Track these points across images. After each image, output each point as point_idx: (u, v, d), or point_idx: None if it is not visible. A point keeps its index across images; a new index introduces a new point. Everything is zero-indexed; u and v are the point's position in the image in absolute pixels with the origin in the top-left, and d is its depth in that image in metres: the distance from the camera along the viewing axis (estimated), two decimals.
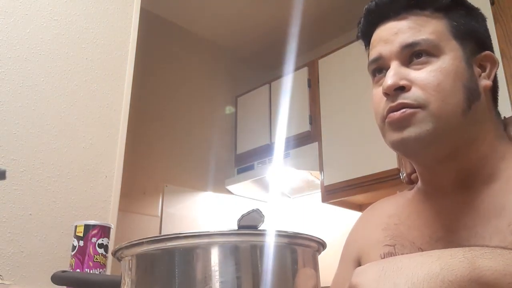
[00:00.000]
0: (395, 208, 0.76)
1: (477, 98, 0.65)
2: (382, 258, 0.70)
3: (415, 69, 0.64)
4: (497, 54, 1.95)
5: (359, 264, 0.78)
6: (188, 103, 3.07)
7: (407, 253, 0.67)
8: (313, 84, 2.88)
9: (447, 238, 0.64)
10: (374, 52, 0.68)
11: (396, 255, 0.67)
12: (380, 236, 0.74)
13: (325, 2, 2.90)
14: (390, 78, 0.63)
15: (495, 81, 0.70)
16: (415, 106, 0.62)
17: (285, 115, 2.88)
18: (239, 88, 3.37)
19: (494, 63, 0.69)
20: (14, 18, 1.27)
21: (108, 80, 1.44)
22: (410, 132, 0.62)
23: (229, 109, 3.32)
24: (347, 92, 2.61)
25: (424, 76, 0.63)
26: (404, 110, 0.62)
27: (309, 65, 2.94)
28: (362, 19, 0.73)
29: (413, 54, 0.64)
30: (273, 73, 3.31)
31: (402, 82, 0.63)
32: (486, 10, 2.02)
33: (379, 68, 0.68)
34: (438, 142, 0.63)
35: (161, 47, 3.01)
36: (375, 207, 0.84)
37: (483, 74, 0.67)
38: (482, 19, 0.71)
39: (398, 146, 0.65)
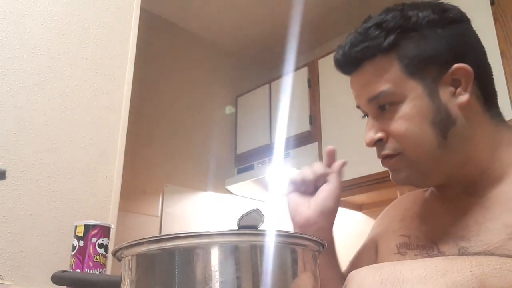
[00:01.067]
0: (412, 203, 0.80)
1: (453, 123, 0.65)
2: (397, 247, 0.74)
3: (386, 119, 0.67)
4: (497, 54, 1.94)
5: (376, 245, 0.82)
6: (188, 103, 3.07)
7: (421, 244, 0.70)
8: (313, 84, 2.88)
9: (458, 233, 0.65)
10: (355, 100, 0.74)
11: (411, 245, 0.71)
12: (397, 226, 0.77)
13: (325, 2, 2.90)
14: (366, 135, 0.69)
15: (483, 81, 0.68)
16: (395, 154, 0.67)
17: (285, 115, 2.88)
18: (239, 88, 3.37)
19: (467, 74, 0.65)
20: (14, 18, 1.27)
21: (108, 80, 1.44)
22: (400, 175, 0.68)
23: (229, 109, 3.32)
24: (347, 92, 2.59)
25: (393, 127, 0.66)
26: (387, 159, 0.68)
27: (309, 65, 2.95)
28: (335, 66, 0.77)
29: (378, 106, 0.68)
30: (273, 73, 3.31)
31: (377, 136, 0.68)
32: (486, 10, 2.02)
33: (363, 113, 0.74)
34: (425, 179, 0.68)
35: (161, 48, 3.01)
36: (396, 201, 0.88)
37: (458, 90, 0.66)
38: (444, 28, 0.66)
39: (396, 184, 0.71)
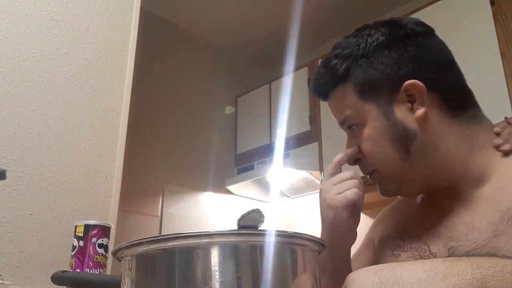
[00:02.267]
0: (406, 206, 0.82)
1: (413, 138, 0.67)
2: (392, 251, 0.75)
3: (357, 139, 0.73)
4: (497, 54, 1.94)
5: (374, 242, 0.85)
6: (188, 103, 3.07)
7: (414, 246, 0.72)
8: None
9: (448, 234, 0.67)
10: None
11: (404, 247, 0.73)
12: (392, 228, 0.80)
13: (325, 2, 2.90)
14: (345, 155, 0.75)
15: (447, 88, 0.68)
16: (372, 171, 0.73)
17: (285, 115, 2.88)
18: (239, 88, 3.37)
19: (420, 88, 0.67)
20: (14, 18, 1.27)
21: (108, 80, 1.44)
22: (382, 189, 0.74)
23: (229, 109, 3.32)
24: None
25: (362, 147, 0.72)
26: (368, 176, 0.74)
27: (309, 65, 2.94)
28: None
29: (348, 127, 0.74)
30: (273, 73, 3.31)
31: (354, 158, 0.74)
32: (486, 10, 2.02)
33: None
34: (404, 189, 0.72)
35: (161, 47, 3.01)
36: (393, 203, 0.90)
37: (414, 105, 0.67)
38: (399, 42, 0.68)
39: (385, 196, 0.75)
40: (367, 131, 0.70)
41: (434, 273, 0.45)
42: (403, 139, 0.68)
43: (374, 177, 0.73)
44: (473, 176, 0.67)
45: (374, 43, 0.69)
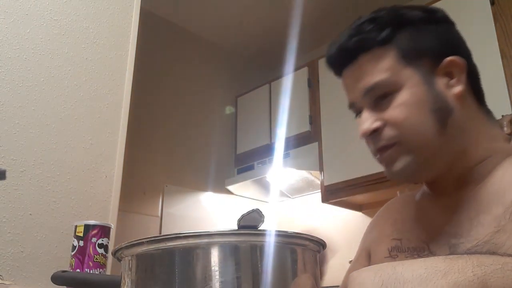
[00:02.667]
0: (404, 206, 0.80)
1: (450, 113, 0.66)
2: (389, 251, 0.74)
3: (383, 109, 0.67)
4: (497, 54, 1.94)
5: (369, 253, 0.82)
6: (188, 103, 3.07)
7: (412, 247, 0.70)
8: (313, 84, 2.88)
9: (450, 231, 0.65)
10: (347, 99, 0.73)
11: (402, 248, 0.72)
12: (389, 230, 0.77)
13: (325, 2, 2.90)
14: (361, 125, 0.68)
15: (473, 78, 0.70)
16: (391, 144, 0.66)
17: (285, 115, 2.88)
18: (239, 88, 3.37)
19: (460, 66, 0.68)
20: (14, 18, 1.27)
21: (108, 80, 1.44)
22: (395, 167, 0.67)
23: (229, 109, 3.32)
24: None
25: (391, 114, 0.66)
26: (384, 151, 0.67)
27: (309, 65, 2.95)
28: (326, 63, 0.76)
29: (374, 96, 0.68)
30: (273, 73, 3.31)
31: (374, 126, 0.67)
32: (486, 10, 2.02)
33: (356, 112, 0.73)
34: (423, 169, 0.67)
35: (161, 48, 3.01)
36: (388, 204, 0.88)
37: (451, 82, 0.68)
38: (437, 24, 0.70)
39: (391, 178, 0.70)
40: (405, 97, 0.66)
41: (434, 271, 0.45)
42: (443, 111, 0.65)
43: (391, 152, 0.67)
44: (486, 166, 0.66)
45: (419, 16, 0.69)
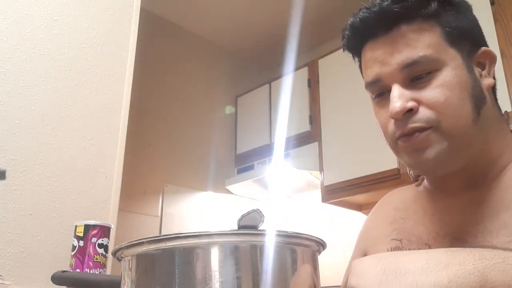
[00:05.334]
0: (402, 202, 0.76)
1: (484, 102, 0.63)
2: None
3: (418, 88, 0.61)
4: (497, 54, 1.94)
5: (365, 255, 0.77)
6: (188, 103, 3.07)
7: (414, 248, 0.67)
8: (313, 84, 2.88)
9: (454, 234, 0.63)
10: (371, 73, 0.65)
11: (403, 250, 0.68)
12: (387, 229, 0.73)
13: (325, 2, 2.90)
14: (396, 103, 0.60)
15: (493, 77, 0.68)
16: (426, 127, 0.60)
17: (285, 115, 2.88)
18: (239, 88, 3.37)
19: (493, 58, 0.66)
20: (14, 18, 1.27)
21: (108, 80, 1.44)
22: (427, 154, 0.60)
23: (229, 109, 3.32)
24: (347, 92, 2.61)
25: (430, 94, 0.60)
26: (416, 134, 0.60)
27: (309, 65, 2.95)
28: (347, 33, 0.68)
29: (414, 73, 0.61)
30: (273, 73, 3.31)
31: (410, 105, 0.60)
32: (486, 10, 2.02)
33: (379, 90, 0.65)
34: (455, 157, 0.61)
35: (161, 47, 3.01)
36: (384, 200, 0.83)
37: (483, 72, 0.65)
38: (471, 12, 0.68)
39: (416, 167, 0.64)
40: (447, 78, 0.60)
41: (436, 262, 0.46)
42: (479, 100, 0.62)
43: (425, 135, 0.60)
44: (498, 165, 0.64)
45: (458, 3, 0.65)
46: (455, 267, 0.45)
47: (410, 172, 0.83)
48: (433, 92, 0.60)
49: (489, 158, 0.64)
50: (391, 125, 0.63)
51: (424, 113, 0.60)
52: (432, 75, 0.61)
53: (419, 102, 0.60)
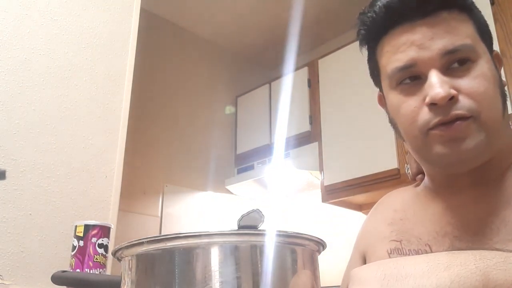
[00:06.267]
0: (401, 203, 0.75)
1: (506, 99, 0.63)
2: (388, 254, 0.69)
3: (456, 77, 0.59)
4: None
5: (364, 258, 0.77)
6: (188, 103, 3.07)
7: (414, 249, 0.66)
8: (313, 84, 2.88)
9: (454, 233, 0.62)
10: (404, 57, 0.62)
11: (403, 251, 0.67)
12: (387, 231, 0.72)
13: (325, 2, 2.90)
14: (438, 88, 0.57)
15: None
16: (468, 116, 0.57)
17: (285, 115, 2.88)
18: (239, 88, 3.37)
19: (501, 61, 0.68)
20: (14, 18, 1.27)
21: (108, 80, 1.44)
22: (466, 144, 0.58)
23: (229, 109, 3.32)
24: (347, 92, 2.61)
25: (470, 84, 0.58)
26: (458, 122, 0.58)
27: (309, 65, 2.95)
28: (377, 13, 0.64)
29: (453, 60, 0.60)
30: (273, 73, 3.31)
31: (453, 92, 0.57)
32: (486, 10, 2.02)
33: (411, 75, 0.62)
34: (489, 150, 0.60)
35: (161, 47, 3.01)
36: (382, 201, 0.82)
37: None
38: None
39: (451, 158, 0.60)
40: (484, 69, 0.60)
41: (437, 264, 0.46)
42: (504, 95, 0.63)
43: (464, 125, 0.58)
44: (503, 162, 0.64)
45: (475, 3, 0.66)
46: (456, 267, 0.45)
47: (409, 171, 0.82)
48: (472, 82, 0.59)
49: (499, 156, 0.64)
50: (424, 113, 0.60)
51: (465, 101, 0.58)
52: (469, 65, 0.60)
53: (458, 90, 0.58)
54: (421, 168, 0.75)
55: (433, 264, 0.46)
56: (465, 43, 0.60)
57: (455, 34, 0.60)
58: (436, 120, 0.59)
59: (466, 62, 0.60)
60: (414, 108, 0.61)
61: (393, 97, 0.64)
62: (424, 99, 0.59)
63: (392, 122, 0.68)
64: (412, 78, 0.62)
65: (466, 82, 0.59)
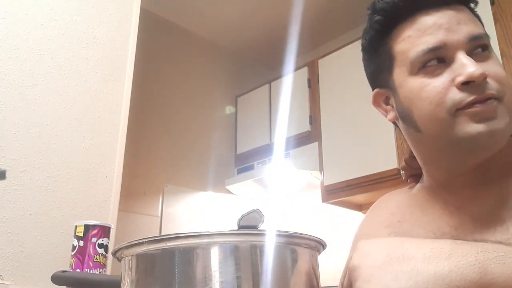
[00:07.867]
0: (397, 207, 0.74)
1: None
2: None
3: (479, 61, 0.60)
4: (497, 54, 1.95)
5: None
6: (188, 103, 3.07)
7: None
8: (313, 84, 2.88)
9: (452, 233, 0.62)
10: (432, 40, 0.62)
11: None
12: (384, 233, 0.72)
13: (325, 2, 2.90)
14: (472, 67, 0.58)
15: None
16: (498, 97, 0.59)
17: (285, 115, 2.88)
18: (239, 88, 3.37)
19: None
20: (14, 18, 1.27)
21: (108, 80, 1.44)
22: (498, 124, 0.58)
23: (229, 109, 3.32)
24: (347, 92, 2.61)
25: (494, 68, 0.61)
26: (491, 101, 0.58)
27: (309, 65, 2.94)
28: None
29: (477, 46, 0.62)
30: (273, 73, 3.31)
31: (487, 72, 0.59)
32: (486, 10, 2.02)
33: (439, 57, 0.62)
34: (507, 136, 0.61)
35: (161, 47, 3.01)
36: (378, 204, 0.82)
37: None
38: None
39: (482, 137, 0.59)
40: (497, 58, 0.64)
41: (439, 251, 0.47)
42: None
43: (495, 104, 0.59)
44: (502, 159, 0.63)
45: None
46: (457, 258, 0.46)
47: (403, 171, 0.82)
48: (496, 68, 0.61)
49: (498, 156, 0.63)
50: (453, 93, 0.60)
51: (493, 83, 0.59)
52: (490, 53, 0.63)
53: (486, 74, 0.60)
54: (412, 172, 0.76)
55: (436, 251, 0.47)
56: (485, 33, 0.63)
57: (475, 23, 0.63)
58: (470, 98, 0.58)
59: (487, 49, 0.63)
60: (441, 89, 0.60)
61: (414, 82, 0.64)
62: (452, 80, 0.60)
63: (405, 113, 0.66)
64: (440, 59, 0.62)
65: (491, 67, 0.60)
